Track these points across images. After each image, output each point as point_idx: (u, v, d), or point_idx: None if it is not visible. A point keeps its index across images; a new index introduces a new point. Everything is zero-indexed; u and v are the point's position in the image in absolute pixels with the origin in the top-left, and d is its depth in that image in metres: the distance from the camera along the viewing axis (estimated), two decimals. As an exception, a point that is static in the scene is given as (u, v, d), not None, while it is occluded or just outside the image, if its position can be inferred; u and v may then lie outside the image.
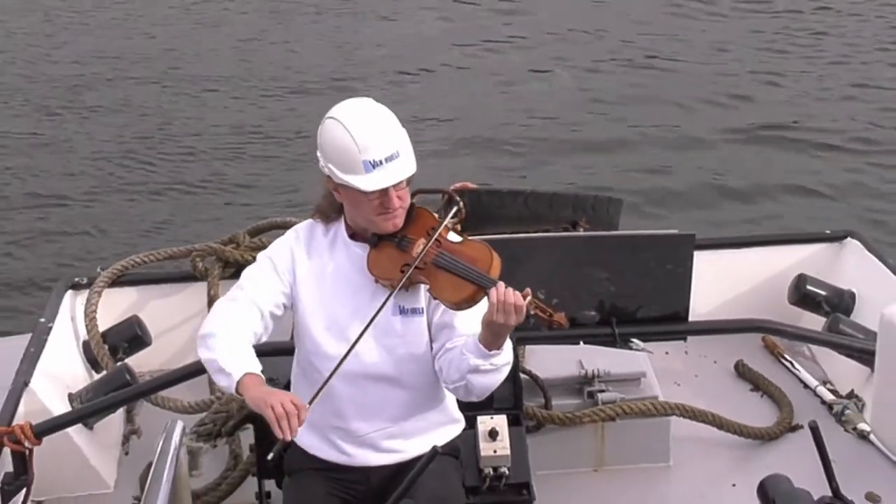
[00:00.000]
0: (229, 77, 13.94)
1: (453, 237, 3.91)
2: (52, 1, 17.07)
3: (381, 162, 3.72)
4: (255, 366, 3.76)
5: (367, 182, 3.70)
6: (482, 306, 3.71)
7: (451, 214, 3.93)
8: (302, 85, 13.51)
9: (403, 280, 3.77)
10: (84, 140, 11.78)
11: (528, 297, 3.63)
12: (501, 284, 3.63)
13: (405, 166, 3.76)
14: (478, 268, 3.75)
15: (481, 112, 12.64)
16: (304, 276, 3.92)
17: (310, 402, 3.71)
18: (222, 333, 3.81)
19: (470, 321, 3.77)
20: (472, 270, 3.74)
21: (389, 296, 3.79)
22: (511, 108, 12.76)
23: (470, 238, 3.95)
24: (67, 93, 13.71)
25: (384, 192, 3.74)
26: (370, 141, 3.72)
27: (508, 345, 3.74)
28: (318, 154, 3.84)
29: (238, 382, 3.68)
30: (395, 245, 3.86)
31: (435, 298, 3.81)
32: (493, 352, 3.67)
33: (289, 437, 3.59)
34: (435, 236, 3.82)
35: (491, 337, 3.66)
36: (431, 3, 16.78)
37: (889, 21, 15.57)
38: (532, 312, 3.68)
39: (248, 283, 3.92)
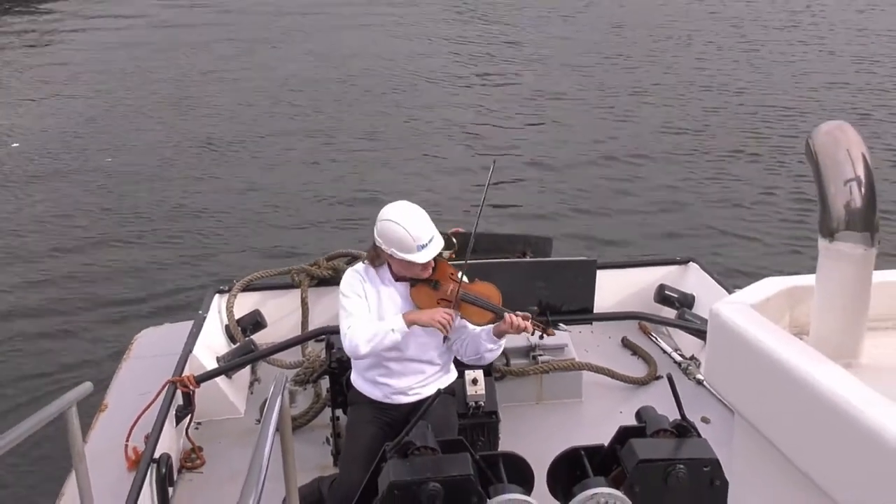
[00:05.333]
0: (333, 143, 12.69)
1: (466, 279, 3.95)
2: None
3: (426, 244, 3.79)
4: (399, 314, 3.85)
5: (420, 257, 3.79)
6: None
7: (461, 274, 3.96)
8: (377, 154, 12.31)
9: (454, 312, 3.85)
10: (222, 185, 11.39)
11: (531, 319, 3.83)
12: (512, 313, 3.80)
13: (439, 244, 3.86)
14: (492, 302, 3.88)
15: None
16: (370, 299, 3.95)
17: (454, 308, 3.84)
18: (365, 330, 3.82)
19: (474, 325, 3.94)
20: (489, 304, 3.87)
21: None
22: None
23: (478, 280, 4.01)
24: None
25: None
26: (419, 232, 3.79)
27: (503, 338, 3.92)
28: (379, 240, 3.83)
29: (405, 322, 3.79)
30: (430, 286, 3.92)
31: (462, 319, 3.91)
32: (499, 339, 3.89)
33: (450, 334, 3.82)
34: (458, 294, 3.87)
35: (499, 334, 3.86)
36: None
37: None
38: (534, 327, 3.87)
39: (352, 308, 3.90)
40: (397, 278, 3.95)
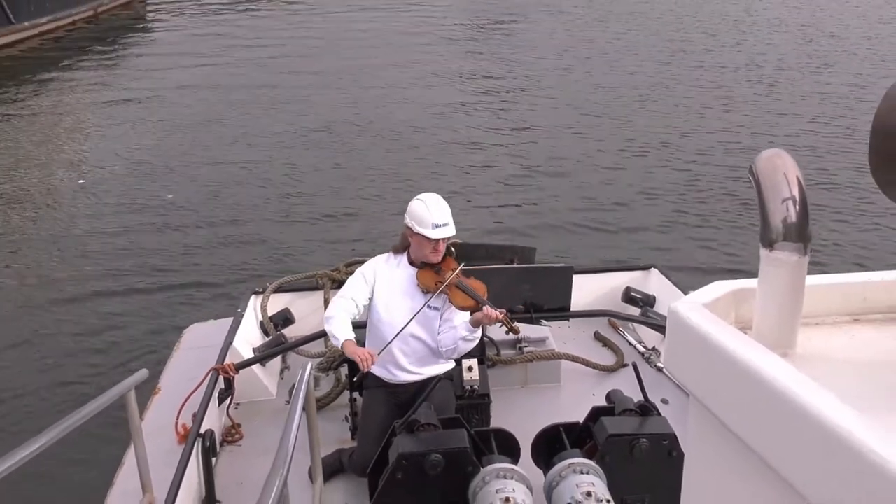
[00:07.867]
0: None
1: (464, 276, 3.96)
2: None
3: (440, 225, 3.81)
4: (351, 334, 3.82)
5: (432, 234, 3.81)
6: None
7: (458, 269, 3.96)
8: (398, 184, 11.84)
9: (440, 290, 3.85)
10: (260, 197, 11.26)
11: (503, 315, 3.79)
12: (491, 307, 3.77)
13: (451, 230, 3.87)
14: (478, 294, 3.86)
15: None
16: (381, 282, 3.96)
17: (378, 354, 3.79)
18: (335, 317, 3.85)
19: (459, 317, 3.89)
20: (476, 294, 3.86)
21: (430, 297, 3.88)
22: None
23: (473, 277, 4.02)
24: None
25: (437, 240, 3.84)
26: (436, 214, 3.81)
27: (479, 329, 3.87)
28: (406, 216, 3.88)
29: (342, 344, 3.78)
30: (434, 271, 3.93)
31: (451, 303, 3.88)
32: (474, 329, 3.82)
33: (367, 370, 3.73)
34: (457, 271, 3.90)
35: (475, 324, 3.81)
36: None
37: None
38: (502, 323, 3.84)
39: (349, 288, 3.96)
40: (411, 262, 3.96)
